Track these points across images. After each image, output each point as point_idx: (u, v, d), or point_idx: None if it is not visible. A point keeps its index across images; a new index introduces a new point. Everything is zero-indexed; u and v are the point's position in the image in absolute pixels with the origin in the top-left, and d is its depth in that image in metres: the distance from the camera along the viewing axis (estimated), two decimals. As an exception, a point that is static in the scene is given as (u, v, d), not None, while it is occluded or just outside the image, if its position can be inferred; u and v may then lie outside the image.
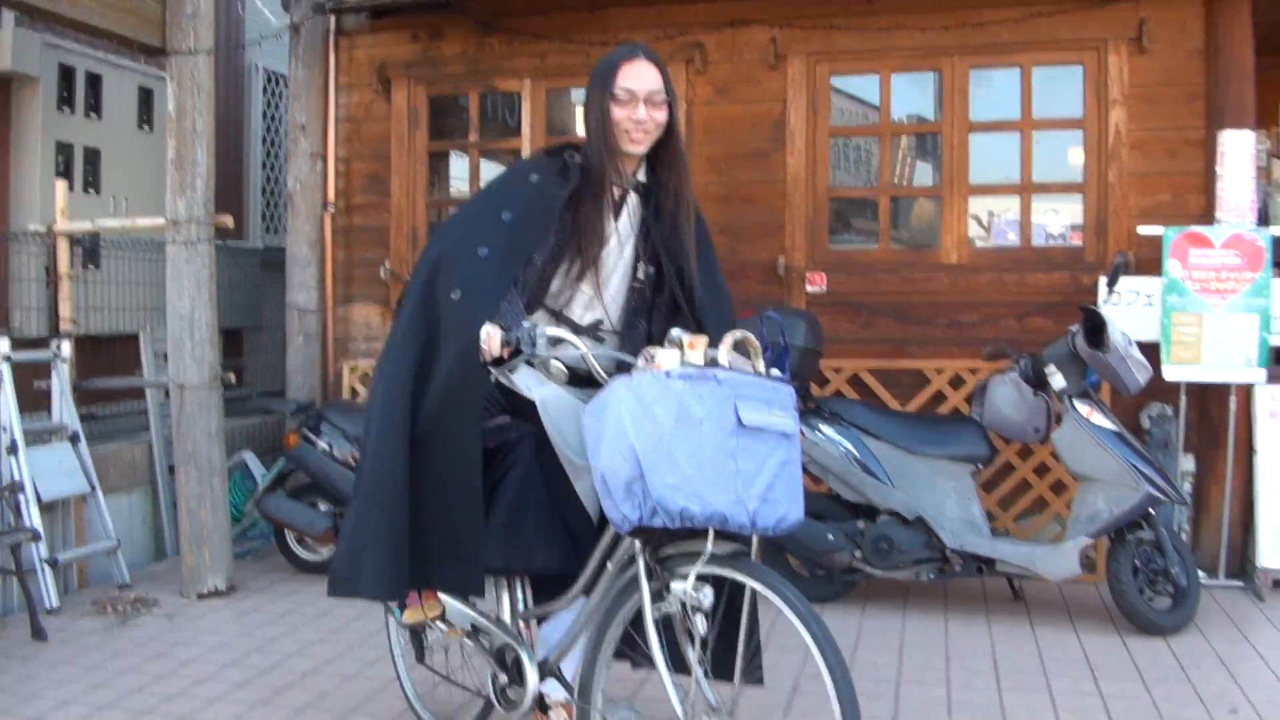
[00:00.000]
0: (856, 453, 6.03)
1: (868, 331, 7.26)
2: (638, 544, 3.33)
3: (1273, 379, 6.56)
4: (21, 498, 6.08)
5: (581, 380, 3.67)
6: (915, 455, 6.01)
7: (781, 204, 7.39)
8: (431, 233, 3.32)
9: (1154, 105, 6.94)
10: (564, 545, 3.67)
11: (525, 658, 3.73)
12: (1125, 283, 6.52)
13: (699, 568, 3.17)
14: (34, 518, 6.08)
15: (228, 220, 6.70)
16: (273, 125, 9.96)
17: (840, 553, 5.98)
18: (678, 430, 3.06)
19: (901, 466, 6.01)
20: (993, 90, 7.44)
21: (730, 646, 3.44)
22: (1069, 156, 7.28)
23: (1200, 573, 6.44)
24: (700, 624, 3.22)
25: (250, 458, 7.72)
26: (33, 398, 6.74)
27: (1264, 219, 7.19)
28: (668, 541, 3.31)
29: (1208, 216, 6.75)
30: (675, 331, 3.36)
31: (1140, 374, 5.70)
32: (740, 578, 3.22)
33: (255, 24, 9.70)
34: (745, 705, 4.06)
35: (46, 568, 6.10)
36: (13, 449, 6.18)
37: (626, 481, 3.10)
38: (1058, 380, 5.81)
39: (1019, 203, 7.29)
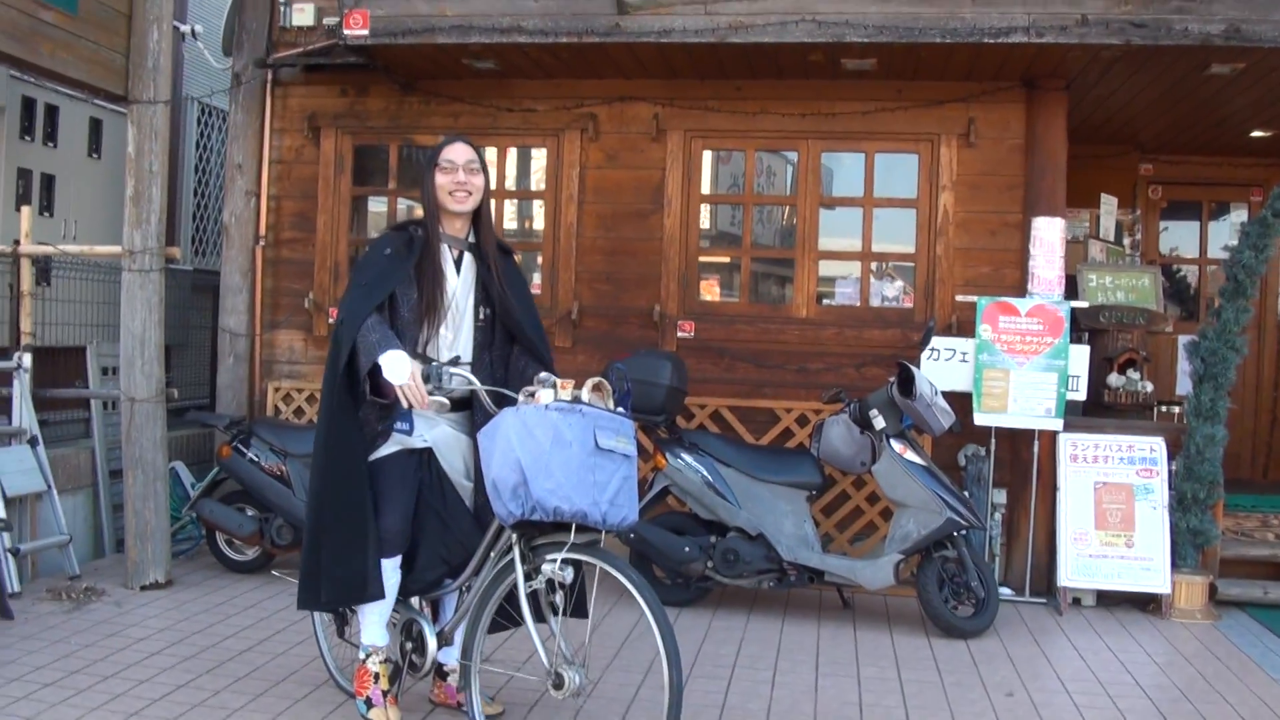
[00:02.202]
0: (710, 478, 7.01)
1: (729, 374, 8.26)
2: (514, 536, 4.29)
3: (1071, 427, 7.66)
4: (-8, 492, 6.80)
5: (457, 405, 4.70)
6: (759, 481, 7.01)
7: (658, 259, 8.38)
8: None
9: (978, 191, 8.07)
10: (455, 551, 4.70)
11: (427, 630, 4.73)
12: (944, 341, 7.66)
13: (564, 553, 4.16)
14: (3, 510, 6.82)
15: (176, 252, 7.53)
16: (204, 156, 10.51)
17: (695, 563, 6.99)
18: (553, 449, 4.04)
19: (747, 490, 7.01)
20: (841, 170, 8.52)
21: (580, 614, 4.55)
22: (903, 231, 8.31)
23: (1009, 590, 7.60)
24: (559, 598, 4.28)
25: (180, 467, 8.38)
26: (-7, 403, 7.41)
27: (1073, 292, 8.31)
28: (538, 535, 4.28)
29: (1023, 288, 7.84)
30: (544, 375, 4.43)
31: (944, 419, 6.76)
32: (593, 560, 4.24)
33: (196, 64, 10.34)
34: (590, 657, 5.12)
35: (9, 556, 6.81)
36: (-20, 448, 6.93)
37: (513, 486, 4.07)
38: (879, 422, 6.83)
39: (859, 268, 8.38)
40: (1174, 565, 7.42)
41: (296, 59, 8.64)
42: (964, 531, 6.82)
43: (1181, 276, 11.15)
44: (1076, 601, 7.59)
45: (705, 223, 8.88)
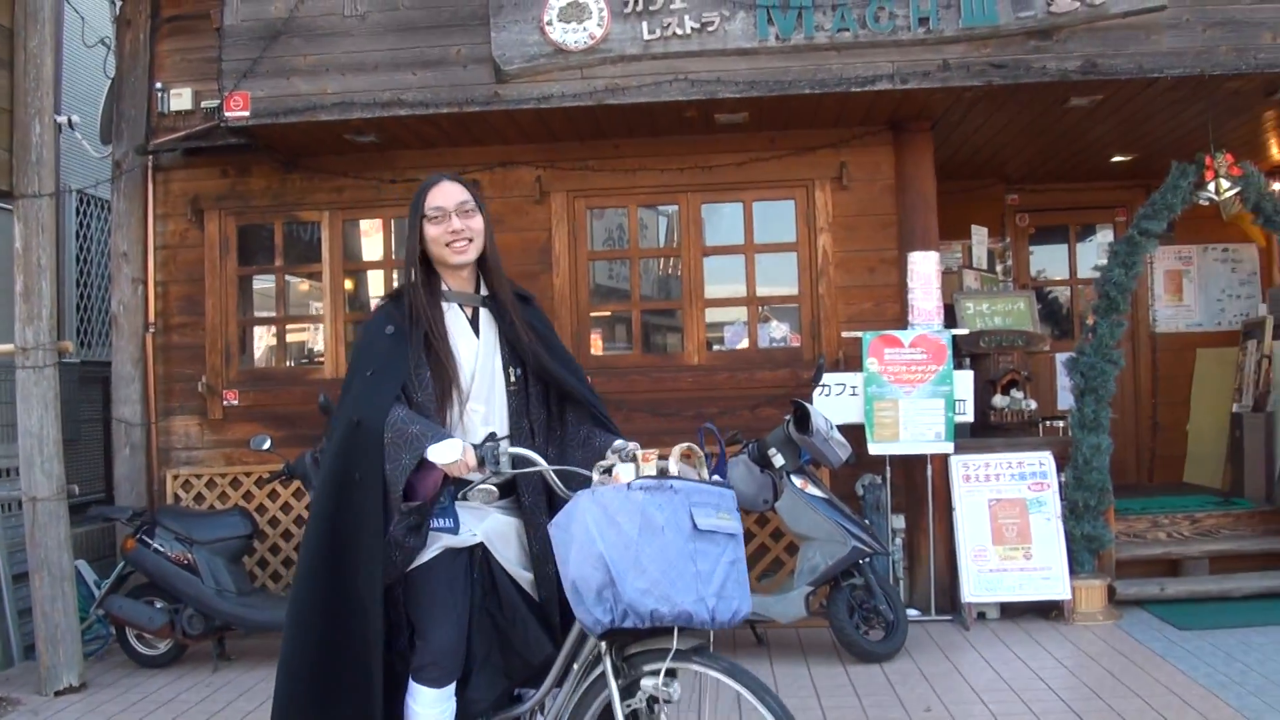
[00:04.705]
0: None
1: (628, 426, 8.06)
2: (603, 645, 3.52)
3: (961, 449, 7.93)
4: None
5: (504, 491, 3.94)
6: (665, 526, 7.09)
7: (550, 318, 8.37)
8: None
9: (854, 231, 8.35)
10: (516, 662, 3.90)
11: None
12: (834, 377, 7.89)
13: (668, 663, 3.40)
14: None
15: (69, 346, 7.42)
16: (84, 246, 10.32)
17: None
18: (643, 537, 3.30)
19: (656, 536, 7.10)
20: (721, 220, 8.74)
21: None
22: (786, 274, 8.54)
23: (915, 610, 7.79)
24: (665, 717, 3.55)
25: (83, 565, 8.15)
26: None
27: (953, 320, 8.61)
28: (632, 641, 3.51)
29: (904, 320, 8.12)
30: (620, 443, 3.69)
31: (841, 452, 6.93)
32: (703, 669, 3.45)
33: (73, 154, 10.17)
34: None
35: (-85, 670, 6.65)
36: (-124, 561, 6.79)
37: (598, 588, 3.33)
38: (778, 459, 6.97)
39: (746, 313, 8.61)
40: (1072, 572, 7.72)
41: (176, 143, 8.60)
42: (869, 558, 6.98)
43: (1053, 298, 11.53)
44: (981, 616, 7.83)
45: (591, 280, 9.03)
